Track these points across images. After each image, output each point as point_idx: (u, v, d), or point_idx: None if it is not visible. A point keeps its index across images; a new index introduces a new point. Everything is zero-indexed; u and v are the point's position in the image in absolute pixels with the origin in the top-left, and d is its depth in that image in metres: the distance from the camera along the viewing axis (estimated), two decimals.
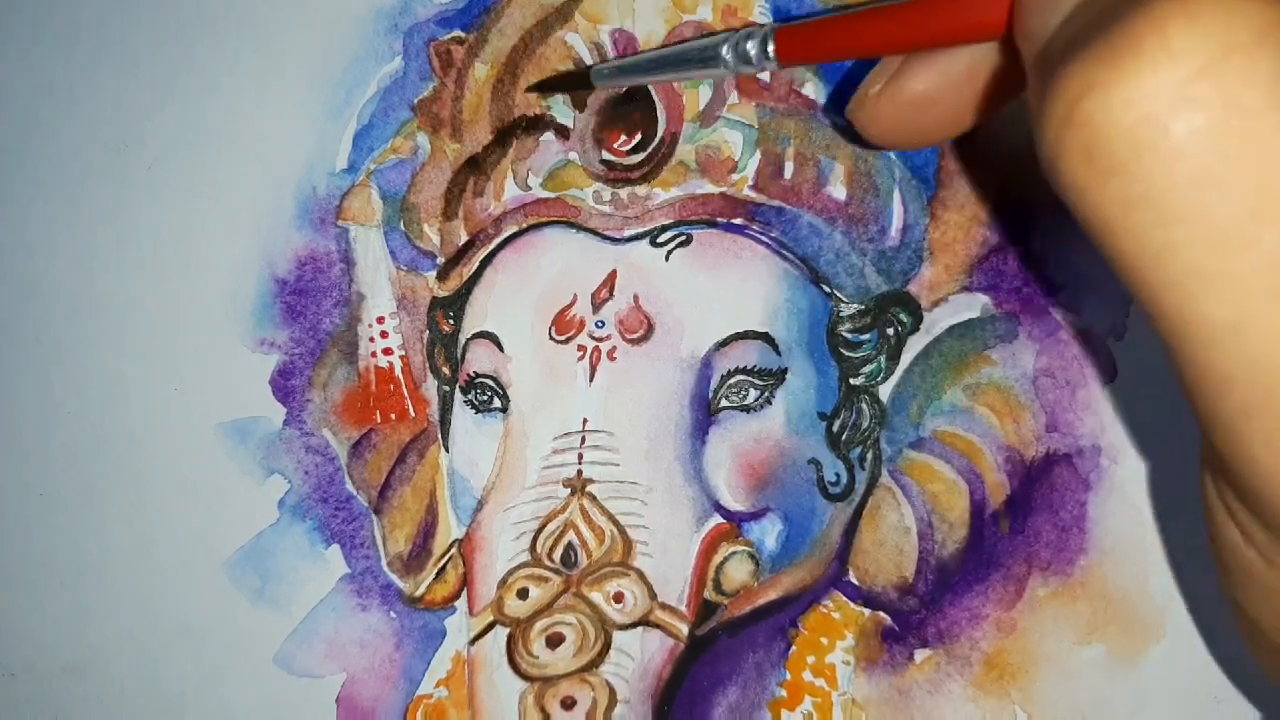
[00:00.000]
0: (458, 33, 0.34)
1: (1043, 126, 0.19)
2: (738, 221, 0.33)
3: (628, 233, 0.33)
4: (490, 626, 0.32)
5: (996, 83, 0.26)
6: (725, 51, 0.29)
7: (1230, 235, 0.18)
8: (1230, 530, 0.23)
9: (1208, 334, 0.19)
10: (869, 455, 0.32)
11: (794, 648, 0.32)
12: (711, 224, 0.33)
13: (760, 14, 0.33)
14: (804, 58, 0.28)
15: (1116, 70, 0.18)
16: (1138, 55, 0.18)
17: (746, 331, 0.32)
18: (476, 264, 0.34)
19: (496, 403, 0.33)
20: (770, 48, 0.28)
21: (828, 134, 0.33)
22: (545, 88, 0.33)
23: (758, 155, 0.33)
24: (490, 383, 0.33)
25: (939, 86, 0.27)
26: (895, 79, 0.27)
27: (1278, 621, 0.23)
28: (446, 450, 0.33)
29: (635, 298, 0.33)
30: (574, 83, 0.33)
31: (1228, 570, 0.24)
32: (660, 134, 0.33)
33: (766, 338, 0.32)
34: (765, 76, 0.33)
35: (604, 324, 0.33)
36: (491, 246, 0.34)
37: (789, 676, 0.32)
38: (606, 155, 0.33)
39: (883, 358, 0.32)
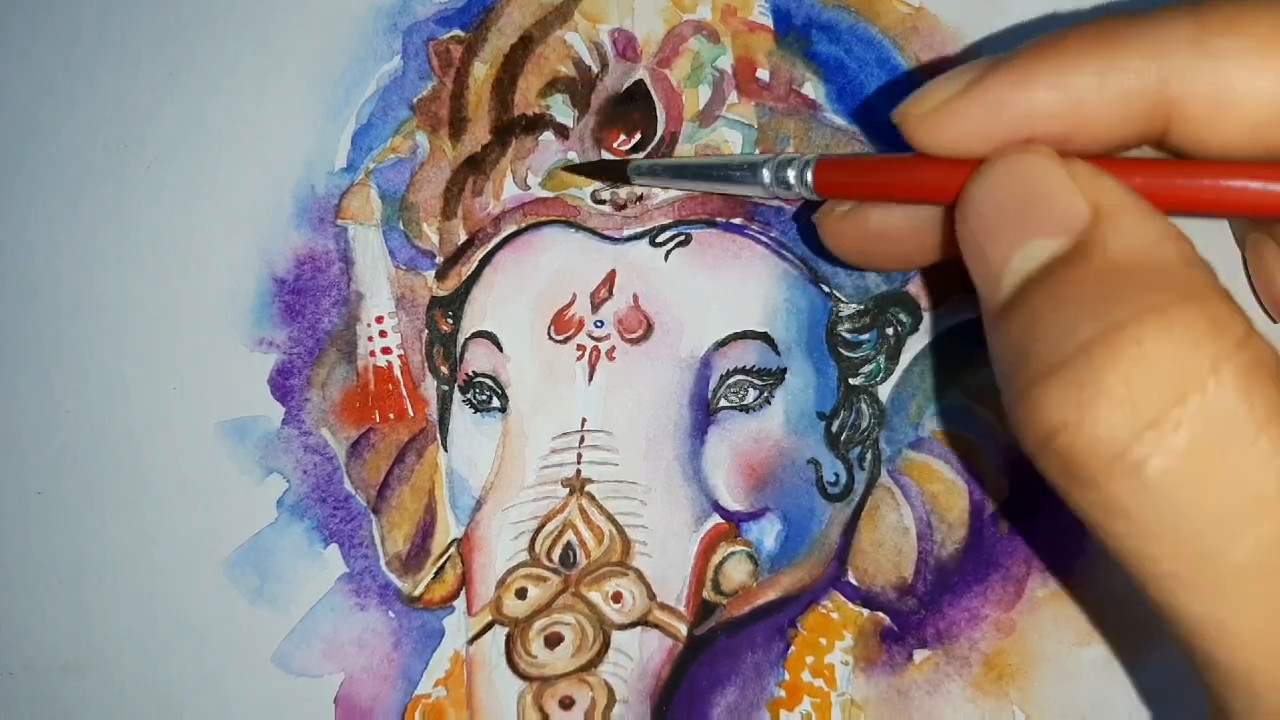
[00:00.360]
0: (457, 32, 0.34)
1: (1020, 434, 0.21)
2: (737, 221, 0.33)
3: (627, 232, 0.33)
4: (489, 626, 0.32)
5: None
6: (765, 174, 0.29)
7: (1199, 551, 0.20)
8: None
9: (1185, 628, 0.21)
10: (868, 455, 0.32)
11: (793, 648, 0.32)
12: (710, 223, 0.33)
13: (760, 14, 0.33)
14: (841, 191, 0.28)
15: (1087, 414, 0.20)
16: (1108, 401, 0.19)
17: (745, 331, 0.32)
18: (475, 263, 0.34)
19: (495, 402, 0.33)
20: (809, 177, 0.28)
21: (827, 134, 0.33)
22: (580, 172, 0.33)
23: (757, 154, 0.33)
24: (489, 382, 0.33)
25: (898, 224, 0.27)
26: (857, 207, 0.28)
27: None
28: (445, 450, 0.33)
29: (634, 297, 0.33)
30: (610, 172, 0.33)
31: None
32: (660, 134, 0.33)
33: (765, 338, 0.32)
34: (765, 76, 0.33)
35: (603, 323, 0.33)
36: (490, 246, 0.34)
37: (788, 677, 0.32)
38: (606, 155, 0.33)
39: (882, 358, 0.32)
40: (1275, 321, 0.31)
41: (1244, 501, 0.19)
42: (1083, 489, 0.21)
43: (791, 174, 0.28)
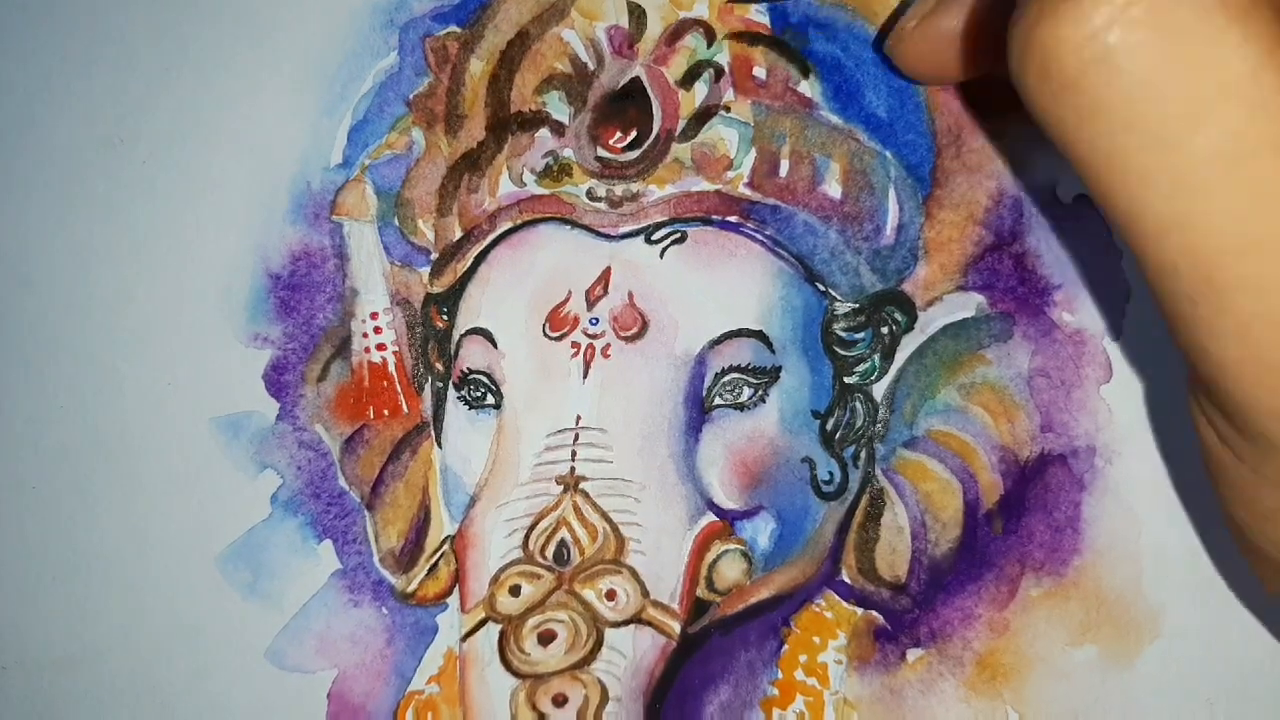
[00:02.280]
0: (453, 28, 0.34)
1: (1010, 48, 0.22)
2: (733, 219, 0.33)
3: (622, 230, 0.33)
4: (482, 623, 0.32)
5: None
6: None
7: (1166, 138, 0.20)
8: (1210, 437, 0.24)
9: (1154, 227, 0.21)
10: (862, 454, 0.32)
11: (786, 646, 0.32)
12: (706, 221, 0.33)
13: (757, 12, 0.33)
14: None
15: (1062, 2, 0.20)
16: None
17: (741, 329, 0.32)
18: (471, 260, 0.33)
19: (490, 399, 0.33)
20: None
21: (823, 132, 0.33)
22: None
23: (753, 153, 0.33)
24: (483, 379, 0.33)
25: (970, 22, 0.28)
26: (932, 15, 0.29)
27: (1257, 522, 0.25)
28: (439, 446, 0.33)
29: (629, 295, 0.33)
30: None
31: (1215, 479, 0.25)
32: (656, 131, 0.33)
33: (761, 336, 0.32)
34: (761, 74, 0.33)
35: (598, 321, 0.33)
36: (486, 242, 0.33)
37: (781, 675, 0.32)
38: (602, 152, 0.33)
39: (877, 357, 0.32)
40: None
41: (1210, 87, 0.20)
42: (1058, 93, 0.21)
43: None
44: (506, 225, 0.33)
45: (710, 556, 0.32)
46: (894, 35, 0.30)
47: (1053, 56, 0.21)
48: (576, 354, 0.33)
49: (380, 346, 0.34)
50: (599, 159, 0.33)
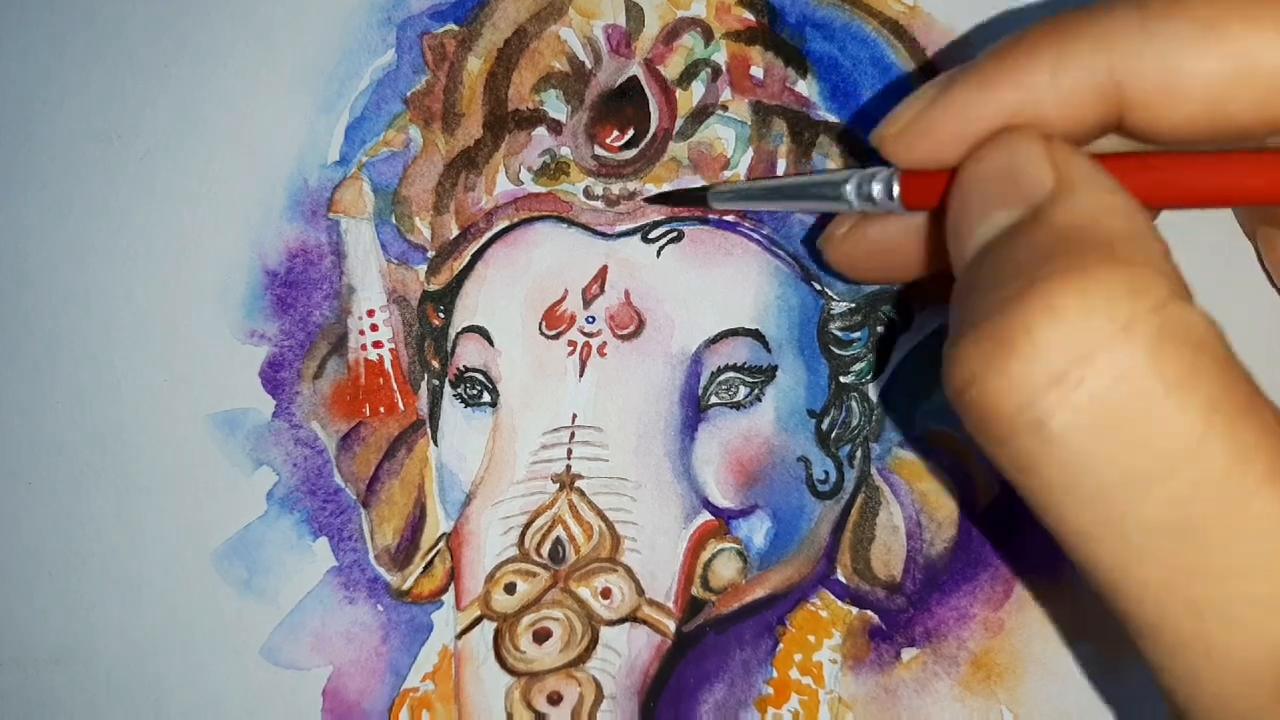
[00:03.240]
0: (451, 26, 0.34)
1: (946, 387, 0.21)
2: (729, 218, 0.33)
3: (619, 228, 0.33)
4: (477, 621, 0.32)
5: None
6: (849, 190, 0.27)
7: (1107, 508, 0.20)
8: None
9: (1099, 578, 0.21)
10: (858, 454, 0.32)
11: (781, 645, 0.32)
12: (703, 220, 0.33)
13: (755, 11, 0.33)
14: (929, 204, 0.27)
15: (993, 366, 0.20)
16: (1010, 352, 0.20)
17: (737, 328, 0.32)
18: (467, 258, 0.33)
19: (486, 397, 0.33)
20: (895, 190, 0.27)
21: (820, 130, 0.33)
22: (661, 201, 0.33)
23: (750, 152, 0.33)
24: (480, 377, 0.33)
25: (897, 236, 0.28)
26: (859, 225, 0.28)
27: None
28: (435, 444, 0.33)
29: (626, 293, 0.33)
30: (690, 199, 0.32)
31: None
32: (653, 130, 0.33)
33: (757, 335, 0.32)
34: (759, 73, 0.33)
35: (594, 319, 0.33)
36: (483, 240, 0.34)
37: (776, 674, 0.32)
38: (599, 150, 0.33)
39: (873, 356, 0.32)
40: None
41: (1151, 461, 0.19)
42: (993, 444, 0.21)
43: (877, 188, 0.27)
44: (503, 223, 0.33)
45: (705, 555, 0.32)
46: (823, 238, 0.29)
47: (986, 414, 0.20)
48: (573, 352, 0.33)
49: (377, 344, 0.34)
50: (596, 157, 0.33)
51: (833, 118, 0.33)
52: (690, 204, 0.32)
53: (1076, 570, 0.22)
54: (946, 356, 0.21)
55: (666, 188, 0.33)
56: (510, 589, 0.32)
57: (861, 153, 0.32)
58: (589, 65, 0.34)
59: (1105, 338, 0.19)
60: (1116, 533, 0.20)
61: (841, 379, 0.32)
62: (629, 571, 0.32)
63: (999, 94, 0.24)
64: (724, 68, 0.33)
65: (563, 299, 0.33)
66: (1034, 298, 0.20)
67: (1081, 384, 0.19)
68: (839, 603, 0.32)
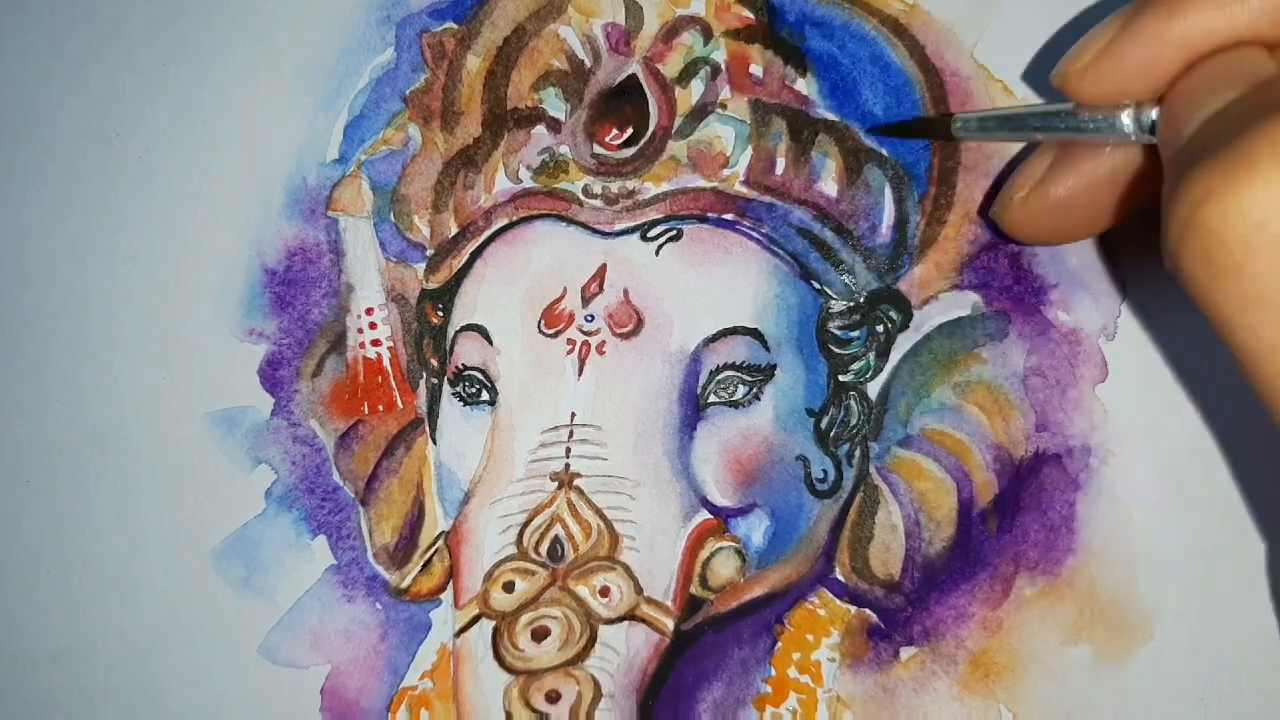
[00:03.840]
0: (450, 24, 0.34)
1: (1167, 227, 0.21)
2: (728, 217, 0.33)
3: (618, 227, 0.33)
4: (475, 619, 0.32)
5: (1137, 185, 0.27)
6: (1125, 122, 0.27)
7: None
8: None
9: None
10: (857, 452, 0.32)
11: (779, 644, 0.32)
12: (702, 219, 0.33)
13: (754, 9, 0.33)
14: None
15: (1232, 181, 0.20)
16: (1251, 168, 0.19)
17: (736, 327, 0.32)
18: (466, 256, 0.33)
19: (485, 395, 0.33)
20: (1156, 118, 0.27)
21: (819, 129, 0.33)
22: (894, 132, 0.32)
23: (749, 150, 0.33)
24: (478, 375, 0.33)
25: (1082, 190, 0.28)
26: (1040, 184, 0.28)
27: None
28: (434, 442, 0.33)
29: (625, 292, 0.33)
30: (931, 130, 0.32)
31: None
32: (652, 128, 0.33)
33: (756, 334, 0.32)
34: (758, 72, 0.33)
35: (593, 318, 0.33)
36: (482, 239, 0.33)
37: (774, 673, 0.32)
38: (598, 149, 0.33)
39: (872, 355, 0.32)
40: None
41: None
42: (1220, 277, 0.20)
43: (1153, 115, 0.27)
44: (502, 222, 0.33)
45: (704, 554, 0.32)
46: (1000, 204, 0.30)
47: (1217, 240, 0.20)
48: (571, 351, 0.33)
49: (375, 342, 0.34)
50: (595, 156, 0.33)
51: (832, 116, 0.33)
52: (931, 135, 0.32)
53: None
54: (1171, 201, 0.21)
55: (667, 187, 0.33)
56: (509, 587, 0.32)
57: (861, 150, 0.32)
58: (588, 63, 0.34)
59: None
60: None
61: (840, 378, 0.32)
62: (627, 570, 0.32)
63: (1188, 21, 0.24)
64: (723, 66, 0.33)
65: (561, 297, 0.33)
66: (1271, 121, 0.20)
67: None
68: (837, 601, 0.32)
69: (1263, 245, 0.19)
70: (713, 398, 0.32)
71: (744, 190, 0.33)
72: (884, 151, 0.32)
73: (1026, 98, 0.32)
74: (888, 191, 0.32)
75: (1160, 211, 0.22)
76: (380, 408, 0.33)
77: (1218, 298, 0.20)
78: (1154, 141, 0.26)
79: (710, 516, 0.32)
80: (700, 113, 0.33)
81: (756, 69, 0.33)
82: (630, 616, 0.32)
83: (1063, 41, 0.32)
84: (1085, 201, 0.28)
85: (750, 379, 0.32)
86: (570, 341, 0.33)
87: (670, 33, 0.33)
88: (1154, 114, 0.26)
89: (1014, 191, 0.29)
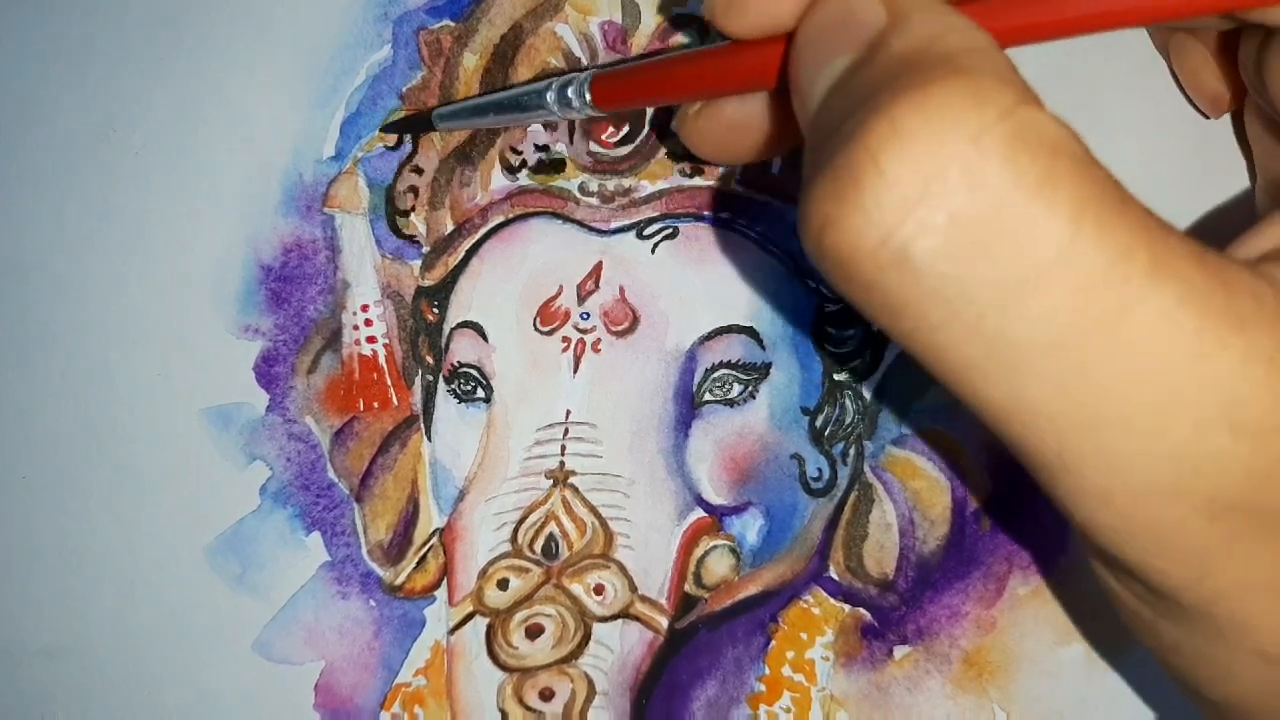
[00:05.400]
0: (447, 21, 0.34)
1: (803, 242, 0.20)
2: (725, 215, 0.33)
3: (614, 224, 0.33)
4: (470, 617, 0.32)
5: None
6: (550, 97, 0.29)
7: (982, 332, 0.18)
8: (1124, 595, 0.23)
9: (992, 413, 0.20)
10: (851, 451, 0.32)
11: (773, 642, 0.32)
12: (699, 217, 0.33)
13: None
14: (618, 103, 0.29)
15: (844, 204, 0.18)
16: (858, 188, 0.18)
17: (731, 325, 0.32)
18: (462, 254, 0.33)
19: (480, 393, 0.33)
20: (588, 95, 0.28)
21: None
22: (393, 129, 0.34)
23: None
24: (474, 373, 0.33)
25: (749, 113, 0.27)
26: (710, 103, 0.27)
27: (1186, 667, 0.23)
28: (429, 440, 0.33)
29: (620, 290, 0.33)
30: (419, 124, 0.33)
31: (1136, 633, 0.24)
32: (648, 126, 0.33)
33: (751, 332, 0.32)
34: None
35: (589, 316, 0.33)
36: (478, 236, 0.33)
37: (768, 671, 0.32)
38: (594, 146, 0.33)
39: (867, 354, 0.32)
40: (1210, 118, 0.31)
41: (1022, 271, 0.18)
42: (860, 289, 0.19)
43: (572, 93, 0.29)
44: (498, 219, 0.33)
45: (698, 552, 0.32)
46: (678, 118, 0.29)
47: (845, 260, 0.19)
48: (567, 349, 0.33)
49: (371, 339, 0.34)
50: (591, 154, 0.33)
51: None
52: (417, 128, 0.33)
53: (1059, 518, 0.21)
54: (799, 213, 0.20)
55: (663, 185, 0.33)
56: (503, 585, 0.32)
57: None
58: (585, 61, 0.34)
59: (954, 153, 0.18)
60: (1000, 359, 0.19)
61: (835, 376, 0.32)
62: (622, 568, 0.32)
63: None
64: None
65: (557, 295, 0.33)
66: (876, 124, 0.18)
67: (937, 204, 0.18)
68: (831, 600, 0.32)
69: (889, 263, 0.18)
70: (708, 396, 0.32)
71: (740, 189, 0.33)
72: None
73: None
74: None
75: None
76: (375, 405, 0.33)
77: (866, 309, 0.20)
78: (579, 115, 0.28)
79: (705, 515, 0.32)
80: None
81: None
82: (624, 614, 0.32)
83: None
84: (752, 124, 0.27)
85: (745, 377, 0.32)
86: (565, 339, 0.33)
87: (668, 30, 0.33)
88: (571, 91, 0.28)
89: (687, 106, 0.28)
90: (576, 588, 0.32)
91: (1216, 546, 0.20)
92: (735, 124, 0.27)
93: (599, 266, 0.33)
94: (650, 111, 0.33)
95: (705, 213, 0.33)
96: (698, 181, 0.33)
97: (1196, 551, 0.20)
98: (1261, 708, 0.23)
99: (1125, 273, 0.18)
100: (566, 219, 0.33)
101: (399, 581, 0.33)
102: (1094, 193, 0.18)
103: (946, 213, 0.18)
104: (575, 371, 0.33)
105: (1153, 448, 0.19)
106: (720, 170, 0.33)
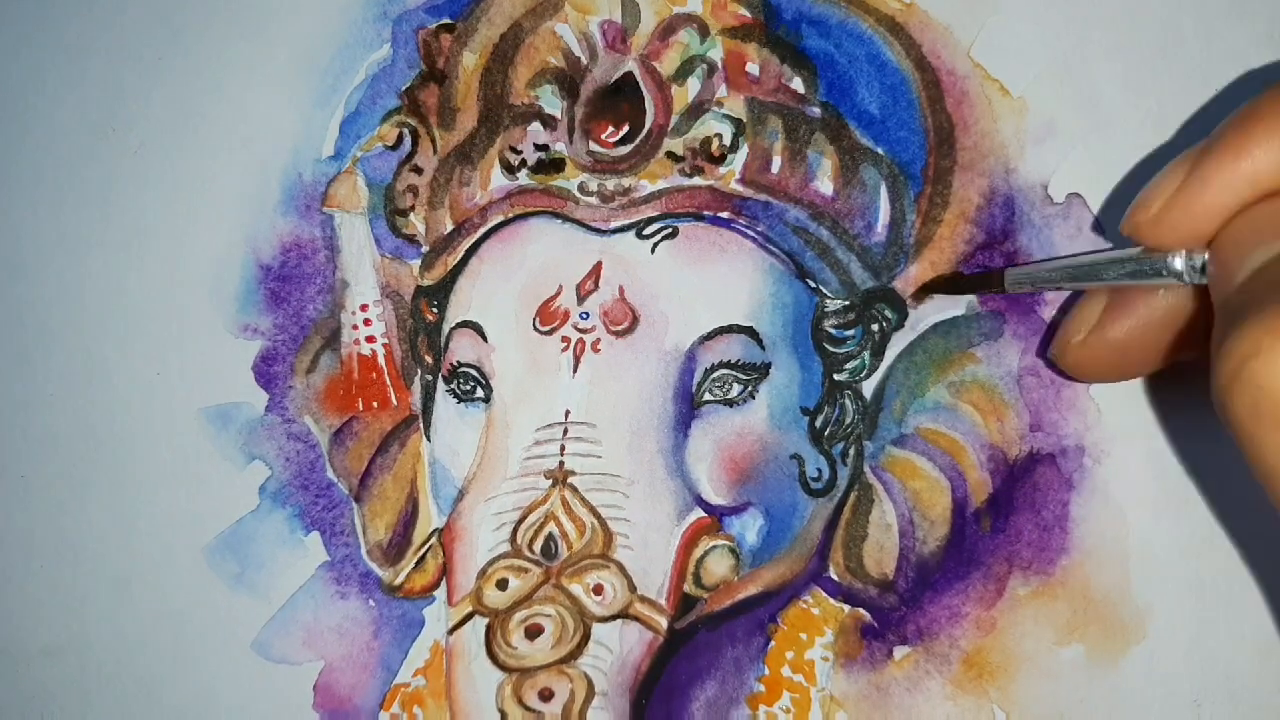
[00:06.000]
0: (446, 21, 0.34)
1: (1216, 374, 0.22)
2: (724, 215, 0.33)
3: (614, 224, 0.33)
4: (469, 616, 0.32)
5: (1193, 324, 0.27)
6: (1179, 265, 0.27)
7: None
8: None
9: None
10: (851, 451, 0.32)
11: (773, 643, 0.32)
12: (698, 217, 0.33)
13: (751, 7, 0.33)
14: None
15: (1277, 338, 0.21)
16: None
17: (731, 325, 0.32)
18: (462, 253, 0.33)
19: (479, 392, 0.33)
20: (1204, 264, 0.27)
21: (815, 127, 0.33)
22: (943, 289, 0.32)
23: (745, 149, 0.33)
24: (473, 372, 0.33)
25: (1138, 332, 0.28)
26: (1098, 328, 0.29)
27: None
28: (428, 439, 0.33)
29: (620, 290, 0.33)
30: (984, 284, 0.32)
31: None
32: (648, 126, 0.33)
33: (750, 332, 0.32)
34: (754, 70, 0.33)
35: (588, 315, 0.33)
36: (477, 236, 0.33)
37: (767, 671, 0.31)
38: (594, 146, 0.33)
39: (867, 354, 0.32)
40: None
41: None
42: (1267, 428, 0.21)
43: (1195, 264, 0.27)
44: (498, 219, 0.33)
45: (698, 552, 0.32)
46: (1058, 346, 0.30)
47: (1265, 394, 0.21)
48: (566, 348, 0.33)
49: (370, 339, 0.33)
50: (591, 153, 0.33)
51: (829, 114, 0.33)
52: (985, 289, 0.32)
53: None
54: (1220, 350, 0.22)
55: (662, 185, 0.33)
56: (502, 585, 0.32)
57: (857, 149, 0.32)
58: (584, 61, 0.34)
59: None
60: None
61: (835, 376, 0.32)
62: (621, 568, 0.32)
63: (1254, 159, 0.25)
64: (720, 64, 0.33)
65: (557, 295, 0.33)
66: None
67: None
68: (831, 600, 0.32)
69: None
70: (708, 396, 0.32)
71: (740, 188, 0.33)
72: (880, 150, 0.32)
73: (1024, 98, 0.32)
74: (883, 190, 0.32)
75: (1212, 357, 0.23)
76: (375, 404, 0.33)
77: (1263, 447, 0.21)
78: (1205, 283, 0.27)
79: (704, 515, 0.32)
80: (696, 110, 0.33)
81: (753, 67, 0.33)
82: (624, 614, 0.31)
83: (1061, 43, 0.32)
84: (1143, 342, 0.28)
85: (745, 377, 0.32)
86: (565, 339, 0.33)
87: (667, 30, 0.33)
88: (1204, 256, 0.26)
89: (1071, 335, 0.29)
90: (576, 588, 0.31)
91: None
92: (1118, 346, 0.29)
93: (598, 266, 0.33)
94: (650, 112, 0.33)
95: (705, 213, 0.33)
96: (697, 181, 0.33)
97: None
98: None
99: None
100: (566, 218, 0.33)
101: (398, 581, 0.33)
102: None
103: None
104: (575, 371, 0.32)
105: None
106: (720, 170, 0.33)
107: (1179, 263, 0.27)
